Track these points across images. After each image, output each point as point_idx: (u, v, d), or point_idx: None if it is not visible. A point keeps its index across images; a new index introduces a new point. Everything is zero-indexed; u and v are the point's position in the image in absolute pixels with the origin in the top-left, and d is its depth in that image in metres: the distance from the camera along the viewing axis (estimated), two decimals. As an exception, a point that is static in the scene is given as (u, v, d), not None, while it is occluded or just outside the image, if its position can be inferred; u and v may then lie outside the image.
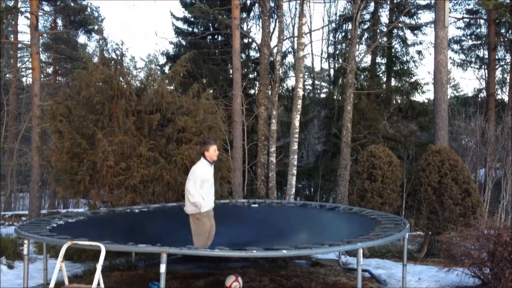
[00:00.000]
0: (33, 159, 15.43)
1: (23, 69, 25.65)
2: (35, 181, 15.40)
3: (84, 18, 23.86)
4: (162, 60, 22.01)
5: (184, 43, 19.79)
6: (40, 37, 18.39)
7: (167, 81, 10.43)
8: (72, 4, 24.03)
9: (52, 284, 4.76)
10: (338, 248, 5.57)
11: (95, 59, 10.89)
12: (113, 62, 9.75)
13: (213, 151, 6.39)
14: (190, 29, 20.39)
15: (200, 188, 6.24)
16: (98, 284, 4.76)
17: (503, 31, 22.65)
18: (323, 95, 29.75)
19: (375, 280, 7.21)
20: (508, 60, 22.22)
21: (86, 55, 16.60)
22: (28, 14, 18.04)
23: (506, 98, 22.45)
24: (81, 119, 9.08)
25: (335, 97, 21.76)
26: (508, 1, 18.80)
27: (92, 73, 9.19)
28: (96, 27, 24.18)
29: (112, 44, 19.82)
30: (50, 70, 27.34)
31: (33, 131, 15.48)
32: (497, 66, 22.70)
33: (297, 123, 14.52)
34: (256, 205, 9.17)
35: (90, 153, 8.71)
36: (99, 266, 4.76)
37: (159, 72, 17.89)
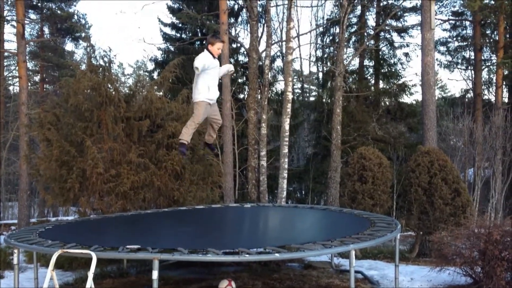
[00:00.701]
0: (21, 168, 15.28)
1: (10, 78, 25.44)
2: (24, 190, 15.25)
3: (71, 26, 23.71)
4: (150, 66, 21.98)
5: (172, 49, 19.79)
6: (27, 45, 18.27)
7: (156, 87, 10.40)
8: (58, 11, 23.90)
9: (43, 293, 4.71)
10: (330, 250, 5.55)
11: (83, 67, 10.85)
12: (101, 69, 9.71)
13: (216, 49, 6.20)
14: (178, 35, 20.42)
15: (204, 72, 6.03)
16: (90, 292, 4.72)
17: (488, 32, 22.93)
18: (312, 99, 29.85)
19: (368, 281, 7.22)
20: (494, 61, 22.47)
21: (74, 62, 16.56)
22: (14, 23, 17.93)
23: (492, 98, 22.67)
24: (70, 127, 9.03)
25: (324, 100, 21.88)
26: (493, 2, 19.04)
27: (80, 80, 9.15)
28: (83, 34, 24.04)
29: (100, 51, 19.73)
30: (37, 78, 27.13)
31: (21, 139, 15.34)
32: (483, 67, 22.95)
33: (287, 127, 14.55)
34: (249, 206, 9.20)
35: (79, 161, 8.66)
36: (90, 274, 4.72)
37: (147, 78, 17.85)
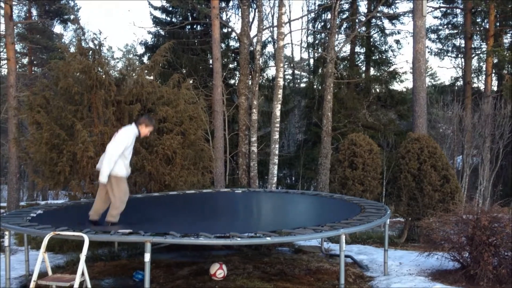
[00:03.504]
0: (10, 151, 15.16)
1: (-2, 60, 25.05)
2: (13, 173, 15.15)
3: (59, 8, 23.36)
4: (140, 50, 21.80)
5: (162, 33, 19.61)
6: (15, 27, 17.98)
7: (146, 71, 10.32)
8: (47, -7, 23.50)
9: (35, 275, 4.71)
10: (321, 234, 5.62)
11: (72, 49, 10.71)
12: (91, 51, 9.59)
13: (147, 131, 6.24)
14: (169, 18, 20.21)
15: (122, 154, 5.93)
16: (82, 274, 4.73)
17: (479, 20, 23.01)
18: (303, 85, 29.84)
19: (357, 265, 7.31)
20: (484, 49, 22.60)
21: (63, 45, 16.34)
22: (2, 4, 17.60)
23: (482, 86, 22.88)
24: (60, 110, 8.94)
25: (315, 86, 21.88)
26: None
27: (70, 63, 9.04)
28: (72, 17, 23.72)
29: (89, 33, 19.51)
30: (25, 60, 26.76)
31: (10, 122, 15.19)
32: (473, 55, 23.08)
33: (278, 113, 14.58)
34: (240, 191, 9.23)
35: (70, 144, 8.59)
36: (82, 256, 4.73)
37: (137, 62, 17.70)
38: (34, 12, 25.61)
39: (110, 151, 5.79)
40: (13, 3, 17.88)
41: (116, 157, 5.77)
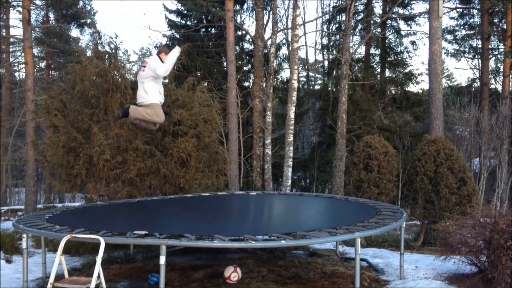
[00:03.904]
0: (28, 154, 15.36)
1: (16, 64, 25.45)
2: (31, 175, 15.33)
3: (76, 12, 23.66)
4: (155, 53, 21.90)
5: (177, 36, 19.71)
6: (33, 31, 18.24)
7: (161, 74, 10.36)
8: (64, -3, 23.81)
9: (52, 277, 4.76)
10: (336, 237, 5.59)
11: (88, 53, 10.85)
12: (107, 55, 9.70)
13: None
14: (183, 21, 20.32)
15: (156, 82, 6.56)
16: (98, 276, 4.77)
17: (496, 20, 22.70)
18: (317, 87, 29.73)
19: (372, 269, 7.26)
20: (502, 50, 22.30)
21: (79, 49, 16.54)
22: (20, 8, 17.88)
23: (499, 88, 22.54)
24: (76, 113, 9.05)
25: (329, 88, 21.78)
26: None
27: (86, 66, 9.16)
28: (88, 21, 24.00)
29: (106, 37, 19.71)
30: (43, 64, 27.13)
31: (28, 125, 15.40)
32: (491, 56, 22.77)
33: (292, 115, 14.55)
34: (254, 194, 9.25)
35: (86, 147, 8.69)
36: (99, 259, 4.77)
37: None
38: (51, 16, 26.00)
39: (160, 69, 6.40)
40: (31, 7, 18.16)
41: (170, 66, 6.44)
